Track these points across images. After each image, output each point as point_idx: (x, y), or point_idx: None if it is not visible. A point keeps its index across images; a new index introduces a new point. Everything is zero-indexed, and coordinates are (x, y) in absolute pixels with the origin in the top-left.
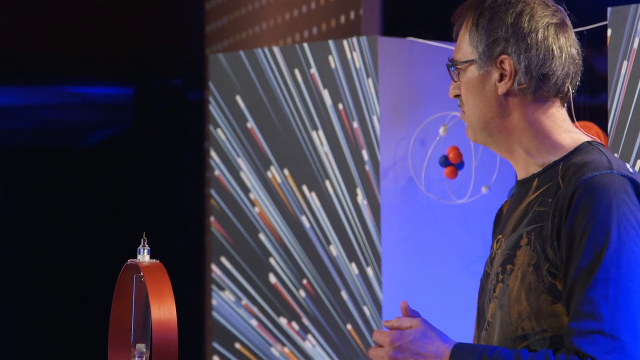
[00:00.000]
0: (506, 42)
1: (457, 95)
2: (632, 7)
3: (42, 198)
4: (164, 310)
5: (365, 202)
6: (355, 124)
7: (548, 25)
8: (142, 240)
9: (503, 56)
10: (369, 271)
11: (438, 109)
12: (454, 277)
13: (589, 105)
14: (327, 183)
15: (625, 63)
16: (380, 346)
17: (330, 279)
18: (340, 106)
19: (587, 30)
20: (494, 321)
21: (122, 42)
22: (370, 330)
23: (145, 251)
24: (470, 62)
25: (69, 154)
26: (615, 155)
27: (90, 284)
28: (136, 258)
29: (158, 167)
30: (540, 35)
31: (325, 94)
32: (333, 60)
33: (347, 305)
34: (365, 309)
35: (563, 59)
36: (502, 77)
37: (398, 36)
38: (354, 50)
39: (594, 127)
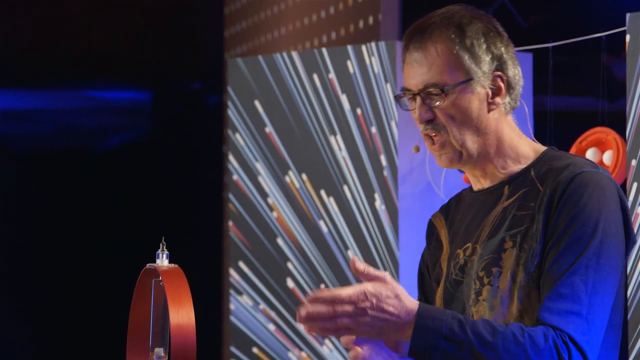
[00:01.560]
0: (500, 60)
1: (430, 120)
2: None
3: (62, 201)
4: (182, 315)
5: (383, 207)
6: (374, 129)
7: (509, 39)
8: (161, 245)
9: (497, 73)
10: None
11: None
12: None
13: (608, 111)
14: (345, 188)
15: None
16: (330, 309)
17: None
18: (359, 111)
19: (605, 35)
20: None
21: (141, 46)
22: None
23: (164, 255)
24: (467, 82)
25: (88, 157)
26: None
27: (110, 288)
28: (155, 262)
29: (177, 171)
30: (510, 49)
31: (344, 99)
32: (351, 65)
33: None
34: None
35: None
36: (493, 95)
37: None
38: (373, 56)
39: (612, 133)
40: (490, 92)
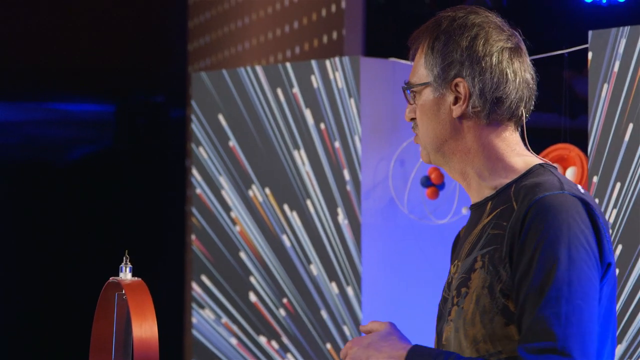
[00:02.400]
0: (461, 65)
1: (413, 119)
2: (613, 30)
3: (24, 214)
4: (145, 328)
5: (346, 221)
6: (337, 144)
7: (502, 50)
8: (124, 258)
9: (458, 79)
10: (349, 291)
11: None
12: (434, 297)
13: (569, 127)
14: (309, 202)
15: (605, 86)
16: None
17: (310, 298)
18: (322, 126)
19: (568, 52)
20: (449, 344)
21: (105, 59)
22: None
23: (128, 269)
24: (426, 84)
25: (50, 169)
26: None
27: (72, 301)
28: (118, 276)
29: (139, 184)
30: (494, 59)
31: (308, 113)
32: (315, 80)
33: (327, 325)
34: (345, 328)
35: (517, 83)
36: (456, 100)
37: (380, 57)
38: (337, 70)
39: (575, 150)
40: (452, 98)
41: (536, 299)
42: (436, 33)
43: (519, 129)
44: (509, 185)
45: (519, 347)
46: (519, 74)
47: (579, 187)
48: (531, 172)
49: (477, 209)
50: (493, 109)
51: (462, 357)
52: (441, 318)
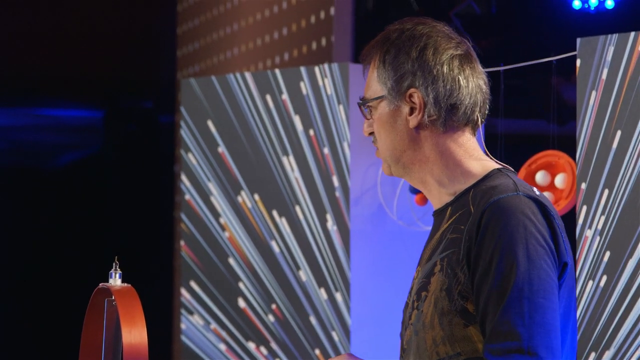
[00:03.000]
0: (413, 76)
1: (372, 133)
2: (601, 38)
3: (13, 219)
4: (135, 334)
5: (335, 227)
6: (326, 150)
7: (452, 57)
8: (114, 264)
9: (411, 90)
10: (338, 297)
11: None
12: None
13: (558, 134)
14: (297, 208)
15: (593, 93)
16: None
17: (299, 304)
18: (311, 132)
19: (556, 60)
20: (409, 347)
21: (93, 65)
22: (339, 355)
23: (117, 275)
24: (381, 98)
25: (39, 175)
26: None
27: (61, 307)
28: (107, 282)
29: (128, 190)
30: (445, 67)
31: (297, 119)
32: (304, 87)
33: (316, 331)
34: (334, 334)
35: (470, 89)
36: (412, 111)
37: None
38: (325, 77)
39: (564, 157)
40: (408, 109)
41: (498, 300)
42: (386, 47)
43: (477, 133)
44: (467, 190)
45: (485, 349)
46: (471, 80)
47: (535, 189)
48: (489, 176)
49: (438, 215)
50: (448, 116)
51: None
52: (403, 323)
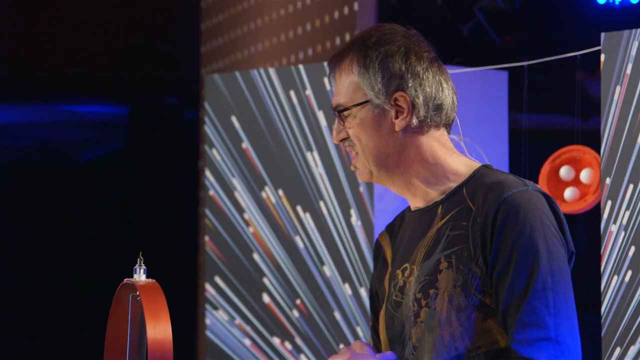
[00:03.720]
0: (400, 79)
1: (344, 139)
2: (625, 32)
3: (37, 216)
4: (159, 330)
5: (359, 223)
6: None
7: (432, 60)
8: (138, 260)
9: (398, 93)
10: (362, 292)
11: None
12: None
13: (582, 129)
14: (322, 204)
15: (618, 88)
16: None
17: (323, 299)
18: None
19: (580, 54)
20: (422, 345)
21: (118, 61)
22: None
23: (142, 270)
24: (364, 103)
25: (64, 171)
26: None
27: (87, 303)
28: (132, 277)
29: (153, 186)
30: (429, 71)
31: (320, 115)
32: (328, 82)
33: (340, 326)
34: (358, 329)
35: (448, 90)
36: (397, 114)
37: None
38: None
39: (591, 152)
40: (393, 112)
41: (523, 292)
42: (364, 52)
43: (450, 132)
44: (458, 188)
45: (512, 340)
46: (448, 81)
47: (535, 183)
48: (478, 173)
49: (425, 213)
50: (433, 117)
51: None
52: (393, 321)
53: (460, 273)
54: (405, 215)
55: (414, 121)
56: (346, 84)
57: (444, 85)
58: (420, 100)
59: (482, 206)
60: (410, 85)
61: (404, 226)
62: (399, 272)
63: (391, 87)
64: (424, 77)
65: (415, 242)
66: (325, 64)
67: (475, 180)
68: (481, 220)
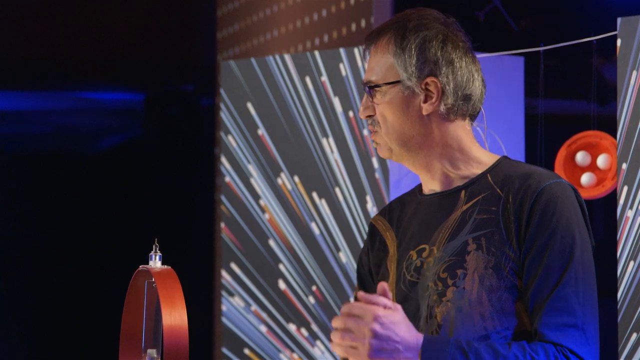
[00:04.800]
0: (434, 65)
1: (370, 116)
2: None
3: (54, 203)
4: (175, 316)
5: (374, 209)
6: (366, 132)
7: (467, 50)
8: (154, 247)
9: (430, 78)
10: None
11: None
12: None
13: (598, 114)
14: (337, 190)
15: (634, 73)
16: (359, 318)
17: (339, 286)
18: (351, 114)
19: (596, 39)
20: (447, 323)
21: (134, 48)
22: None
23: (157, 257)
24: (395, 83)
25: (80, 158)
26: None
27: (103, 289)
28: (148, 264)
29: (169, 172)
30: (463, 59)
31: (336, 101)
32: (344, 68)
33: None
34: None
35: (479, 82)
36: (426, 98)
37: None
38: (365, 58)
39: (608, 137)
40: (423, 96)
41: (556, 278)
42: (402, 33)
43: (473, 123)
44: (482, 175)
45: (540, 323)
46: (479, 73)
47: None
48: (501, 163)
49: (446, 197)
50: (460, 106)
51: (479, 343)
52: (407, 301)
53: (492, 255)
54: (407, 200)
55: (442, 108)
56: (380, 62)
57: (475, 76)
58: (450, 87)
59: (517, 194)
60: (443, 71)
61: (410, 209)
62: (413, 253)
63: (424, 71)
64: (457, 65)
65: (435, 223)
66: (342, 50)
67: (500, 168)
68: (515, 206)
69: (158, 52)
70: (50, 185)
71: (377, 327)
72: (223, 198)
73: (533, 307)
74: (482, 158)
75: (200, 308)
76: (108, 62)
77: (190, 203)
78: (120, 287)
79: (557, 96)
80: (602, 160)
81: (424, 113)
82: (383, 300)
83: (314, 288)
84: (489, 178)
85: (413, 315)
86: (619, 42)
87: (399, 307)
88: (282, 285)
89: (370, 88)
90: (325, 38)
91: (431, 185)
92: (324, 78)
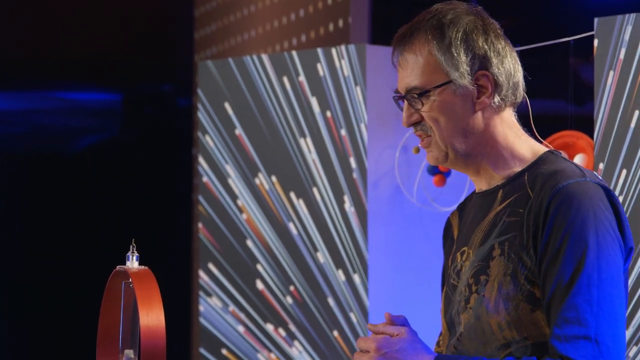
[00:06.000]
0: (483, 59)
1: (417, 123)
2: (619, 17)
3: (31, 203)
4: (152, 317)
5: (352, 209)
6: (343, 132)
7: (505, 37)
8: (131, 247)
9: (481, 72)
10: (356, 278)
11: None
12: (440, 284)
13: (575, 114)
14: (315, 190)
15: (611, 73)
16: (366, 352)
17: (317, 286)
18: (329, 114)
19: (574, 40)
20: (469, 332)
21: (112, 48)
22: (357, 336)
23: (134, 257)
24: (446, 84)
25: (58, 159)
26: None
27: (79, 290)
28: (125, 264)
29: (146, 173)
30: (507, 48)
31: (314, 101)
32: (321, 68)
33: (334, 312)
34: (352, 315)
35: (520, 67)
36: (479, 94)
37: (386, 44)
38: (342, 58)
39: (585, 137)
40: (475, 92)
41: (567, 287)
42: (440, 30)
43: (516, 112)
44: (521, 173)
45: (551, 334)
46: (517, 58)
47: (596, 174)
48: (542, 159)
49: (487, 196)
50: (510, 96)
51: None
52: (450, 305)
53: (511, 261)
54: (472, 197)
55: (496, 100)
56: (421, 65)
57: (517, 62)
58: (502, 78)
59: (539, 194)
60: (493, 63)
61: (470, 207)
62: (458, 255)
63: (475, 66)
64: (504, 54)
65: (475, 225)
66: (319, 50)
67: (537, 166)
68: (536, 208)
69: (136, 53)
70: (27, 185)
71: (379, 359)
72: (200, 198)
73: (548, 317)
74: (526, 154)
75: (177, 308)
76: (86, 63)
77: (167, 203)
78: (98, 288)
79: (534, 96)
80: (579, 160)
81: (478, 109)
82: (389, 329)
83: (291, 288)
84: (525, 177)
85: (452, 320)
86: (596, 42)
87: (405, 333)
88: (259, 285)
89: (419, 95)
90: (303, 38)
91: (479, 184)
92: (302, 78)
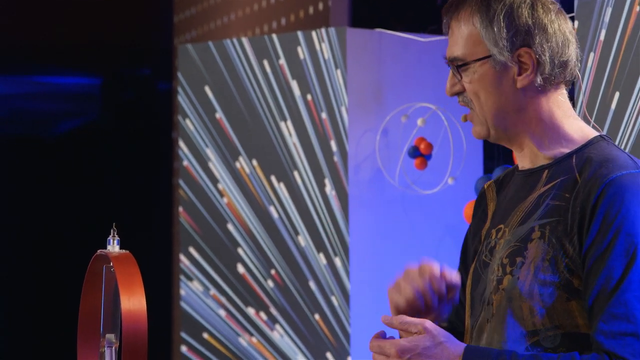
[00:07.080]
0: (526, 35)
1: (459, 93)
2: None
3: (11, 187)
4: (133, 301)
5: (333, 192)
6: (324, 115)
7: (558, 12)
8: (112, 231)
9: (523, 49)
10: (337, 261)
11: (406, 100)
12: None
13: None
14: (296, 174)
15: (592, 55)
16: (384, 355)
17: (298, 270)
18: (309, 97)
19: None
20: (500, 313)
21: (90, 32)
22: (338, 320)
23: (115, 241)
24: (485, 59)
25: (37, 143)
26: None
27: (60, 274)
28: (106, 248)
29: (126, 157)
30: (556, 24)
31: (294, 85)
32: (302, 52)
33: (315, 296)
34: (333, 299)
35: (574, 44)
36: (520, 71)
37: (367, 27)
38: (323, 42)
39: None
40: (516, 69)
41: (616, 282)
42: (487, 2)
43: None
44: (569, 156)
45: (596, 330)
46: (573, 34)
47: None
48: (592, 143)
49: (530, 175)
50: (556, 75)
51: (525, 354)
52: (479, 283)
53: (552, 246)
54: (512, 172)
55: (538, 79)
56: (465, 36)
57: (570, 39)
58: (546, 57)
59: (588, 182)
60: (536, 40)
61: (510, 184)
62: (493, 232)
63: (516, 42)
64: (551, 31)
65: (515, 203)
66: (299, 33)
67: (587, 150)
68: (584, 196)
69: (114, 36)
70: (6, 169)
71: None
72: (181, 182)
73: (591, 311)
74: (574, 136)
75: (159, 292)
76: (64, 46)
77: (148, 187)
78: (79, 272)
79: None
80: None
81: (519, 86)
82: (406, 322)
83: (272, 272)
84: (573, 160)
85: (480, 298)
86: (576, 24)
87: (423, 329)
88: (240, 269)
89: (459, 66)
90: (283, 21)
91: (522, 162)
92: (282, 61)
